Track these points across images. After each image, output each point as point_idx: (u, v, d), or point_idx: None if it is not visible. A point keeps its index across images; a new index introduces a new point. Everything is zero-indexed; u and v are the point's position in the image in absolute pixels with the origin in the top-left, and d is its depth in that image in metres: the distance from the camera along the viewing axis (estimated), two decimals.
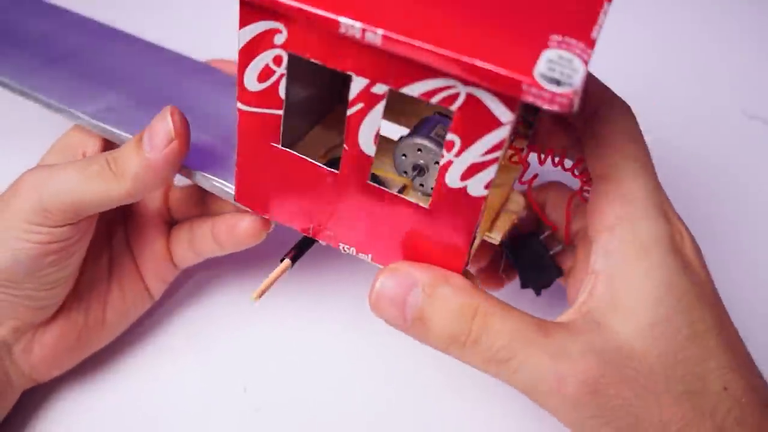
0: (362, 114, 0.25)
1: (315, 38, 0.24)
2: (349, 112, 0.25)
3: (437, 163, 0.31)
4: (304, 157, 0.28)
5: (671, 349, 0.26)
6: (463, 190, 0.25)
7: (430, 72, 0.23)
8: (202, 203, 0.40)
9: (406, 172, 0.32)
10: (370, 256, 0.29)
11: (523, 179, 0.34)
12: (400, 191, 0.33)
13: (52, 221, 0.31)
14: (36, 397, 0.38)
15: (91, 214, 0.32)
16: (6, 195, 0.32)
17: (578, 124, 0.31)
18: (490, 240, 0.33)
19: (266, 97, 0.27)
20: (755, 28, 0.60)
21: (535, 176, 0.34)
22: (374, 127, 0.25)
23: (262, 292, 0.30)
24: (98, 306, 0.37)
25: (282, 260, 0.31)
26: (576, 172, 0.32)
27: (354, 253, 0.29)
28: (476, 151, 0.24)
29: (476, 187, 0.25)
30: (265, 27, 0.25)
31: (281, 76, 0.26)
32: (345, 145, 0.26)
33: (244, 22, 0.25)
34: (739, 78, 0.55)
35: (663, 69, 0.55)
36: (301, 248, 0.32)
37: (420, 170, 0.32)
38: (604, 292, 0.27)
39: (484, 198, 0.25)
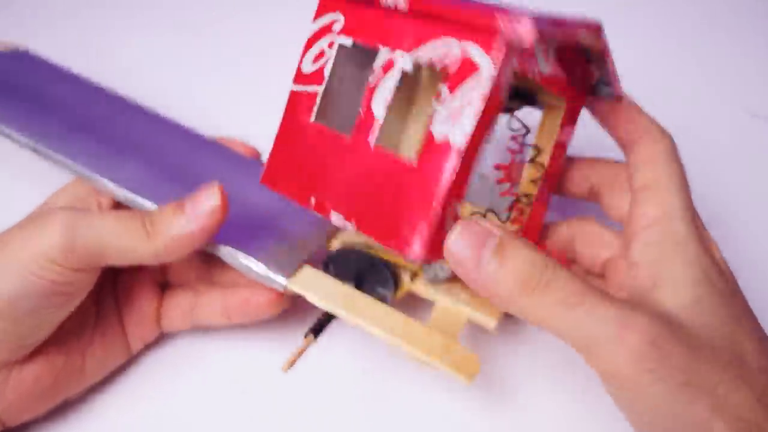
0: (379, 80, 0.29)
1: (359, 23, 0.30)
2: (370, 79, 0.30)
3: None
4: (324, 125, 0.32)
5: (713, 323, 0.28)
6: (445, 141, 0.27)
7: (435, 34, 0.28)
8: (205, 271, 0.40)
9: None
10: (359, 226, 0.30)
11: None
12: (412, 278, 0.36)
13: (73, 263, 0.31)
14: None
15: (112, 264, 0.33)
16: (28, 227, 0.32)
17: (625, 148, 0.34)
18: (487, 326, 0.35)
19: (314, 76, 0.32)
20: (758, 25, 0.58)
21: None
22: (387, 93, 0.29)
23: (292, 363, 0.32)
24: (78, 352, 0.36)
25: (306, 336, 0.33)
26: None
27: (340, 221, 0.30)
28: (459, 97, 0.27)
29: (457, 133, 0.27)
30: (331, 18, 0.31)
31: (328, 59, 0.31)
32: (360, 110, 0.30)
33: (318, 14, 0.32)
34: (742, 76, 0.55)
35: (664, 66, 0.55)
36: (321, 324, 0.34)
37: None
38: (646, 277, 0.30)
39: (464, 149, 0.27)
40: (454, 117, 0.27)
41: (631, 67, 0.53)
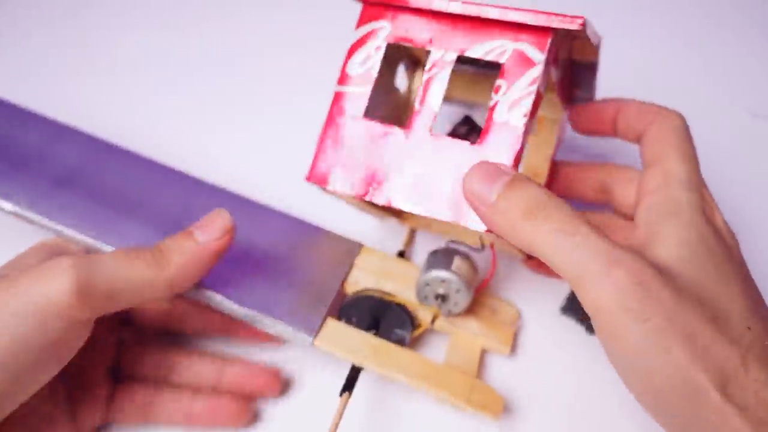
0: (434, 76, 0.33)
1: (407, 29, 0.34)
2: (425, 77, 0.33)
3: (458, 291, 0.35)
4: (379, 122, 0.34)
5: (702, 281, 0.28)
6: (506, 122, 0.31)
7: (487, 36, 0.32)
8: (165, 366, 0.37)
9: (426, 298, 0.36)
10: (422, 207, 0.32)
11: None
12: (432, 321, 0.37)
13: (84, 310, 0.29)
14: None
15: (124, 306, 0.31)
16: (31, 274, 0.29)
17: (639, 139, 0.35)
18: (500, 352, 0.38)
19: (362, 77, 0.34)
20: (760, 25, 0.58)
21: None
22: (442, 86, 0.33)
23: (336, 426, 0.32)
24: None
25: (341, 394, 0.34)
26: None
27: (407, 209, 0.32)
28: (518, 88, 0.31)
29: (517, 116, 0.31)
30: (374, 26, 0.34)
31: (375, 62, 0.34)
32: (416, 105, 0.33)
33: (361, 23, 0.34)
34: (744, 76, 0.55)
35: (666, 67, 0.55)
36: (352, 378, 0.34)
37: (443, 298, 0.36)
38: (642, 235, 0.31)
39: (524, 125, 0.31)
40: (514, 104, 0.31)
41: (633, 67, 0.54)
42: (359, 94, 0.34)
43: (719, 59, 0.56)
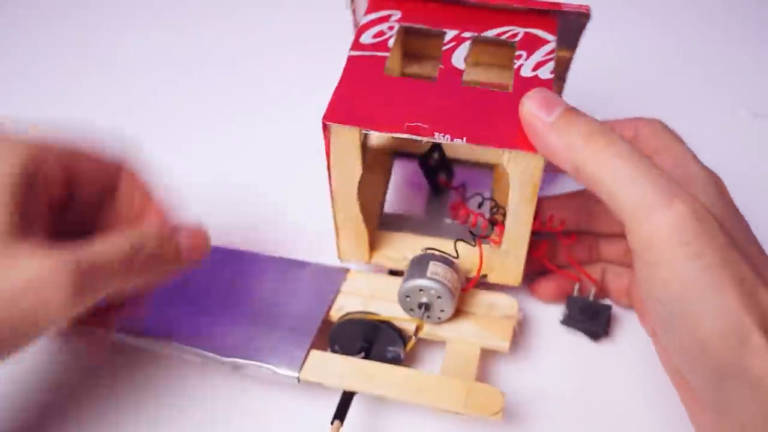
0: (454, 48, 0.36)
1: (418, 14, 0.37)
2: (444, 48, 0.36)
3: (439, 297, 0.35)
4: (406, 77, 0.37)
5: (737, 236, 0.28)
6: (535, 77, 0.34)
7: (498, 22, 0.36)
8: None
9: (412, 310, 0.36)
10: (464, 138, 0.32)
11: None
12: (415, 333, 0.36)
13: (79, 308, 0.28)
14: None
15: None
16: (25, 292, 0.27)
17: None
18: (500, 349, 0.36)
19: (377, 45, 0.36)
20: (759, 24, 0.59)
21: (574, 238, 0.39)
22: (463, 53, 0.36)
23: None
24: None
25: (332, 422, 0.33)
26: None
27: (449, 140, 0.32)
28: (538, 55, 0.35)
29: (544, 73, 0.34)
30: (385, 13, 0.38)
31: (390, 36, 0.37)
32: (441, 65, 0.35)
33: (371, 11, 0.38)
34: (744, 75, 0.55)
35: (666, 66, 0.55)
36: (344, 405, 0.34)
37: (426, 306, 0.35)
38: None
39: (552, 80, 0.33)
40: (541, 64, 0.34)
41: (633, 67, 0.53)
42: (377, 57, 0.36)
43: (719, 59, 0.56)
